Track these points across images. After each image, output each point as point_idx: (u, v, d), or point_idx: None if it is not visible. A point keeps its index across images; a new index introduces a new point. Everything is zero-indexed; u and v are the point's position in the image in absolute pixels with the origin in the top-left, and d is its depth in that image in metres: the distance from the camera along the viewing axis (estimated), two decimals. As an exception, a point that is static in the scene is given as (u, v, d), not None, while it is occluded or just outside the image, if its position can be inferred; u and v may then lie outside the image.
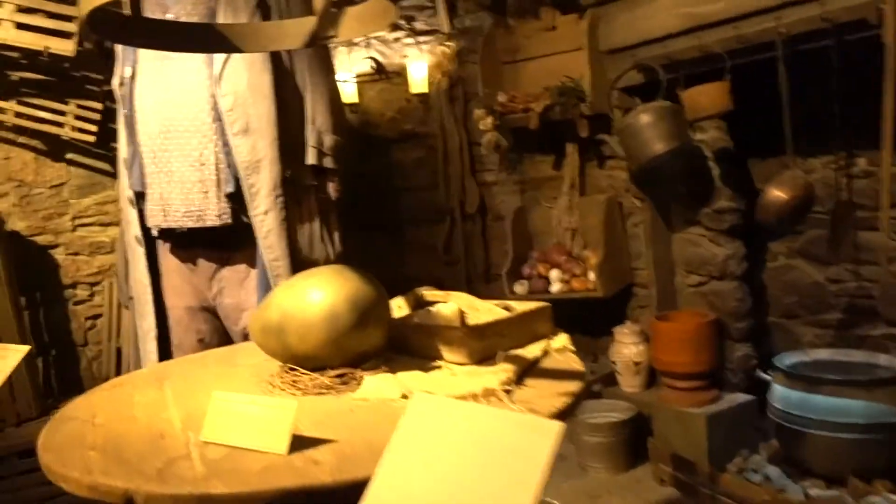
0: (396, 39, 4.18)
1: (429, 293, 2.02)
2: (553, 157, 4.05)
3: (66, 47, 3.63)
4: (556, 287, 3.74)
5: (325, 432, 1.33)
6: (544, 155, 4.07)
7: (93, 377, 4.49)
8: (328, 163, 3.05)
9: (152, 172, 2.94)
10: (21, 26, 3.60)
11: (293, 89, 3.00)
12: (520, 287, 3.82)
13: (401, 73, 4.13)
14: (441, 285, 2.22)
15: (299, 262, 2.95)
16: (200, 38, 1.73)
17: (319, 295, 1.60)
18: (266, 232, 2.88)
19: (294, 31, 1.81)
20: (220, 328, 3.14)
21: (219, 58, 2.82)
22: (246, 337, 3.05)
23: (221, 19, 2.84)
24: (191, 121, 2.86)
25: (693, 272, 3.55)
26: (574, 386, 1.52)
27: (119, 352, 4.42)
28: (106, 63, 4.28)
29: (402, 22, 4.09)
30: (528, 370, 1.62)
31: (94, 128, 4.16)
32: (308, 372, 1.63)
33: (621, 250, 3.78)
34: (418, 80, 4.02)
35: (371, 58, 4.05)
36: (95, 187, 4.48)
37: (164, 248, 3.10)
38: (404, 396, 1.50)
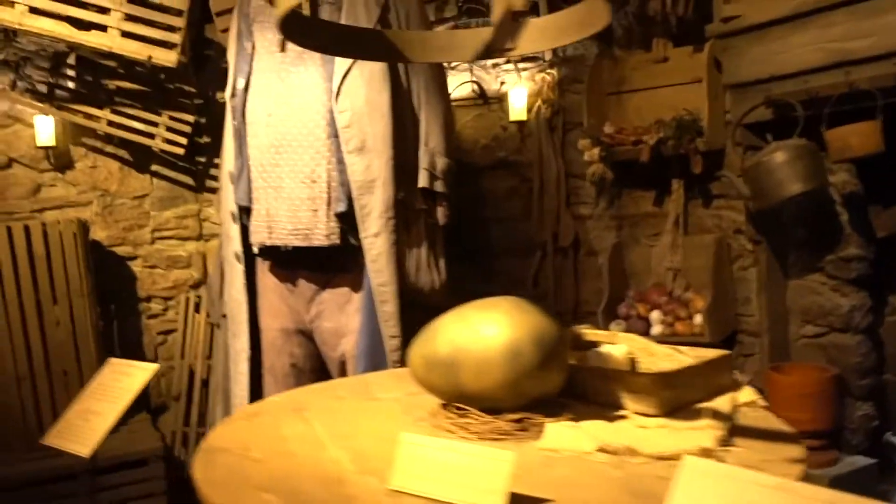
0: (495, 65, 4.07)
1: (590, 332, 1.84)
2: (654, 192, 3.87)
3: (168, 58, 3.58)
4: (657, 329, 3.54)
5: (529, 488, 1.15)
6: (644, 190, 3.90)
7: (160, 394, 4.38)
8: (439, 186, 2.92)
9: (260, 187, 2.83)
10: (125, 34, 3.55)
11: (409, 108, 2.89)
12: (616, 327, 3.63)
13: (500, 100, 4.01)
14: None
15: (405, 288, 2.81)
16: (371, 44, 1.60)
17: (499, 329, 1.43)
18: (375, 255, 2.74)
19: (466, 42, 1.68)
20: (314, 353, 2.99)
21: (338, 72, 2.72)
22: (343, 364, 2.91)
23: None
24: (305, 136, 2.75)
25: (810, 322, 3.32)
26: (795, 451, 1.33)
27: (191, 370, 4.30)
28: (197, 75, 4.25)
29: (502, 47, 3.97)
30: (731, 428, 1.43)
31: (184, 140, 4.10)
32: (482, 414, 1.46)
33: (728, 294, 3.56)
34: (518, 108, 3.90)
35: (475, 82, 3.93)
36: (176, 200, 4.41)
37: (263, 267, 2.98)
38: (602, 450, 1.32)
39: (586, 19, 1.49)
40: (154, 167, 4.32)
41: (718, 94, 3.43)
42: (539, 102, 3.92)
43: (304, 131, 2.75)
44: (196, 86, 4.24)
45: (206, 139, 4.36)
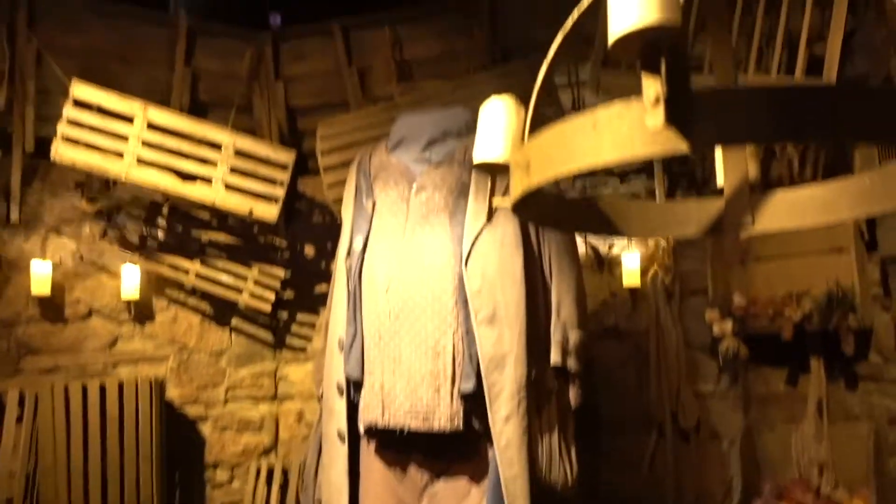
0: (604, 227, 3.83)
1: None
2: (787, 369, 3.47)
3: (269, 212, 3.44)
4: (807, 535, 3.01)
5: None
6: (775, 367, 3.50)
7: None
8: (571, 364, 2.58)
9: (374, 358, 2.52)
10: (228, 187, 3.43)
11: (541, 276, 2.62)
12: (755, 529, 3.11)
13: (609, 264, 3.75)
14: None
15: (537, 483, 2.41)
16: (590, 217, 1.34)
17: None
18: (506, 443, 2.37)
19: (691, 216, 1.41)
20: (422, 553, 2.55)
21: (468, 234, 2.49)
22: (457, 570, 2.45)
23: (472, 196, 2.55)
24: (430, 302, 2.48)
25: None
26: None
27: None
28: (287, 229, 4.11)
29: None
30: None
31: (272, 296, 3.89)
32: None
33: (888, 495, 3.05)
34: (631, 272, 3.62)
35: (592, 246, 3.69)
36: (254, 357, 4.14)
37: (368, 448, 2.61)
38: None
39: (875, 192, 1.21)
40: (235, 321, 4.09)
41: (865, 266, 3.11)
42: (654, 268, 3.64)
43: (430, 297, 2.48)
44: (286, 239, 4.10)
45: (289, 294, 4.15)
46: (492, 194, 1.29)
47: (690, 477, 3.60)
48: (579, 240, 3.75)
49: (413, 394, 2.43)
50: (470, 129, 2.58)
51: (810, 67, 3.13)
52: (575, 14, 1.12)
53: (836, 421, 3.28)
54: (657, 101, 0.79)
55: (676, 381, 3.58)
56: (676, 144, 0.82)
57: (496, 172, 1.27)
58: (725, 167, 1.39)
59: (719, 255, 3.48)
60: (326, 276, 3.94)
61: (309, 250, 4.18)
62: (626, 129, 0.86)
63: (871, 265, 3.14)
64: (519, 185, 1.06)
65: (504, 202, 1.24)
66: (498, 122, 1.27)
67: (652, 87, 0.80)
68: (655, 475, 3.63)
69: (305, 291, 4.15)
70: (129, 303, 3.79)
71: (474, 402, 2.41)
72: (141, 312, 3.87)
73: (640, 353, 3.72)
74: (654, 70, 0.81)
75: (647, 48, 0.81)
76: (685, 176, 3.75)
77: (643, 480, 3.62)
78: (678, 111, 0.81)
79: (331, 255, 3.96)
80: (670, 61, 0.82)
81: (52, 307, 3.68)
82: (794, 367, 3.46)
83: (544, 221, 1.33)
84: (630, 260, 3.64)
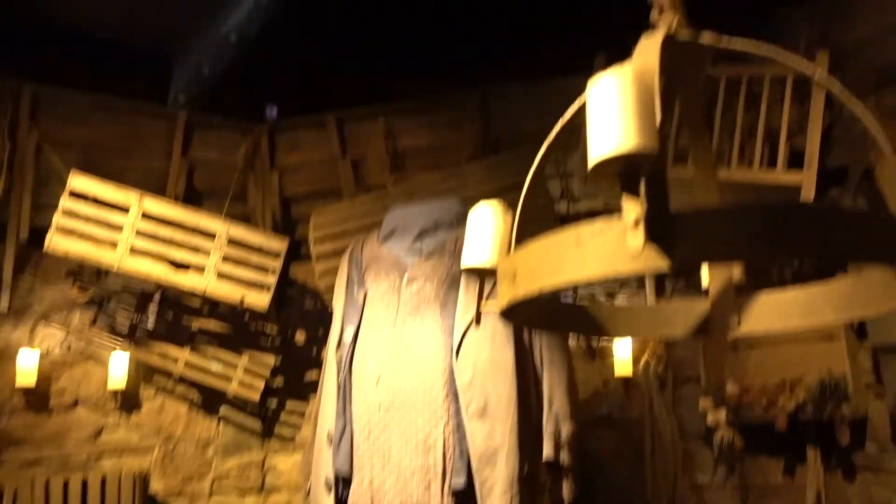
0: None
1: None
2: (783, 459, 3.41)
3: (261, 300, 3.44)
4: None
5: None
6: (772, 456, 3.45)
7: None
8: (564, 457, 2.54)
9: (364, 453, 2.48)
10: (220, 276, 3.44)
11: (531, 368, 2.60)
12: None
13: (602, 353, 3.74)
14: None
15: (531, 586, 2.33)
16: (577, 319, 1.36)
17: None
18: (499, 541, 2.30)
19: (678, 318, 1.43)
20: None
21: (459, 326, 2.49)
22: None
23: (463, 287, 2.56)
24: (420, 395, 2.45)
25: None
26: None
27: None
28: (279, 315, 4.10)
29: (602, 299, 3.79)
30: None
31: (261, 385, 3.84)
32: None
33: (895, 593, 2.95)
34: (622, 361, 3.61)
35: (584, 337, 3.69)
36: (241, 447, 4.05)
37: (356, 546, 2.54)
38: None
39: (858, 297, 1.22)
40: (223, 410, 4.02)
41: (857, 354, 3.12)
42: (647, 355, 3.63)
43: (420, 390, 2.46)
44: (277, 326, 4.08)
45: (279, 381, 4.10)
46: (480, 299, 1.30)
47: (690, 573, 3.49)
48: (570, 327, 3.75)
49: (403, 490, 2.37)
50: (461, 220, 2.61)
51: (791, 160, 3.22)
52: (554, 130, 1.17)
53: (836, 515, 3.21)
54: (637, 223, 0.81)
55: (672, 471, 3.51)
56: (657, 262, 0.85)
57: (484, 276, 1.29)
58: (710, 270, 1.41)
59: (711, 343, 3.47)
60: (317, 363, 3.91)
61: (300, 336, 4.16)
62: (609, 246, 0.88)
63: (862, 353, 3.15)
64: (506, 294, 1.08)
65: (492, 306, 1.25)
66: (486, 228, 1.30)
67: (632, 209, 0.83)
68: (655, 572, 3.51)
69: (295, 379, 4.10)
70: (115, 392, 3.74)
71: (466, 499, 2.36)
72: (128, 401, 3.81)
73: (633, 443, 3.67)
74: (633, 192, 0.84)
75: (626, 172, 0.84)
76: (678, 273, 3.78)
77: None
78: (658, 231, 0.84)
79: (322, 341, 3.93)
80: (649, 183, 0.85)
81: (36, 396, 3.62)
82: (791, 457, 3.40)
83: (533, 325, 1.34)
84: (622, 349, 3.63)
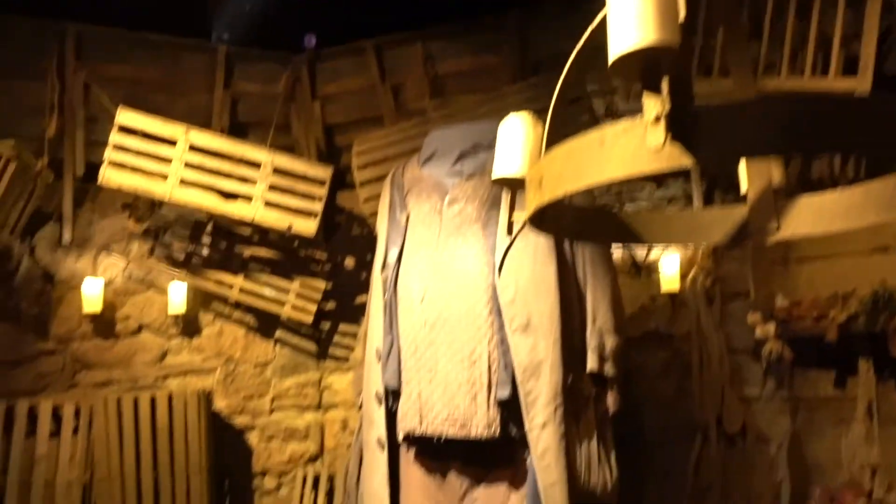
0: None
1: None
2: (834, 372, 3.39)
3: (308, 227, 3.52)
4: (859, 541, 2.95)
5: None
6: (823, 370, 3.43)
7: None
8: (609, 369, 2.59)
9: (411, 368, 2.57)
10: (268, 204, 3.53)
11: (574, 283, 2.63)
12: (804, 534, 3.05)
13: (648, 269, 3.72)
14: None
15: (576, 489, 2.42)
16: (611, 226, 1.36)
17: None
18: (543, 450, 2.39)
19: (715, 223, 1.42)
20: (462, 559, 2.58)
21: (500, 244, 2.52)
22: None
23: (504, 207, 2.57)
24: (464, 312, 2.52)
25: None
26: None
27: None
28: (327, 242, 4.19)
29: (647, 213, 3.75)
30: None
31: (313, 308, 3.97)
32: None
33: (942, 500, 2.96)
34: (669, 277, 3.59)
35: (629, 252, 3.68)
36: (298, 368, 4.22)
37: (407, 456, 2.66)
38: None
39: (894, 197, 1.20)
40: (278, 333, 4.18)
41: (911, 265, 3.04)
42: (694, 271, 3.60)
43: (464, 307, 2.52)
44: (327, 252, 4.18)
45: (331, 305, 4.23)
46: (511, 209, 1.32)
47: (737, 482, 3.54)
48: (614, 245, 3.74)
49: (450, 402, 2.47)
50: (500, 140, 2.61)
51: (846, 67, 3.08)
52: (587, 32, 1.14)
53: (887, 423, 3.20)
54: (657, 119, 0.81)
55: (720, 385, 3.53)
56: (680, 160, 0.85)
57: (514, 187, 1.30)
58: (749, 174, 1.39)
59: (760, 256, 3.43)
60: (367, 287, 3.98)
61: (349, 262, 4.25)
62: (632, 146, 0.88)
63: (916, 263, 3.07)
64: (533, 201, 1.09)
65: (522, 217, 1.27)
66: (516, 139, 1.30)
67: (653, 106, 0.83)
68: (700, 482, 3.58)
69: (346, 302, 4.22)
70: (176, 317, 3.92)
71: (511, 410, 2.44)
72: (188, 326, 3.99)
73: (681, 359, 3.69)
74: (654, 89, 0.83)
75: (647, 68, 0.84)
76: (725, 177, 3.70)
77: (687, 486, 3.58)
78: (681, 128, 0.83)
79: (370, 266, 4.01)
80: (672, 79, 0.84)
81: (103, 323, 3.83)
82: (842, 369, 3.38)
83: (563, 234, 1.35)
84: (668, 264, 3.61)
